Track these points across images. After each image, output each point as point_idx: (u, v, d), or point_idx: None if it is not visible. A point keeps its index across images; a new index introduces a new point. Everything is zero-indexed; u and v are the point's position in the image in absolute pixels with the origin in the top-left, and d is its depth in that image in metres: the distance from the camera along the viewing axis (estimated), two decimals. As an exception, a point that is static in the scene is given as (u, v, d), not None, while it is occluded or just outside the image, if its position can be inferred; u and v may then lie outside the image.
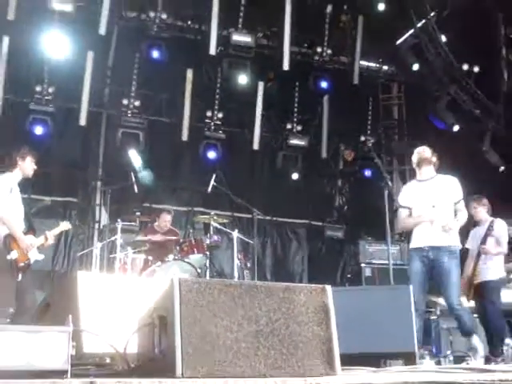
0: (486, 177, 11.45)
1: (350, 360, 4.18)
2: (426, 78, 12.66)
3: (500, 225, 8.28)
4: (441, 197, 6.90)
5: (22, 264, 6.93)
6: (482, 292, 8.21)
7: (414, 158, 7.21)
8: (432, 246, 6.81)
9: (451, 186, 6.99)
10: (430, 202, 6.91)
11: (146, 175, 11.38)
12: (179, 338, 3.02)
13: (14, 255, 6.84)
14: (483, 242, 8.09)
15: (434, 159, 7.17)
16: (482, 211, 8.50)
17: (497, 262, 8.19)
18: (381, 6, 11.94)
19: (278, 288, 3.48)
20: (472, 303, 8.58)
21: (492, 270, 8.14)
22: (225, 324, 3.20)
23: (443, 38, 12.10)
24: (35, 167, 7.37)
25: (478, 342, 6.50)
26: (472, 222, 8.38)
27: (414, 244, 7.06)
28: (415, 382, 3.08)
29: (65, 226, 8.03)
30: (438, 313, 10.73)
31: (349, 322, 5.25)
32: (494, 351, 7.38)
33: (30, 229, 7.29)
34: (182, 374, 2.96)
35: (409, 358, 5.88)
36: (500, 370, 4.01)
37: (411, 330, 6.13)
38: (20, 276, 6.98)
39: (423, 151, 7.19)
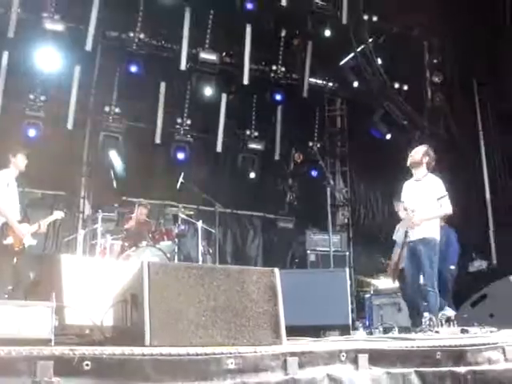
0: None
1: (294, 331, 4.23)
2: (364, 94, 12.81)
3: None
4: (425, 195, 6.90)
5: (16, 248, 6.90)
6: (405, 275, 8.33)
7: (408, 161, 7.16)
8: (413, 240, 6.85)
9: (434, 186, 6.94)
10: (416, 200, 6.94)
11: (123, 172, 11.32)
12: (148, 312, 3.02)
13: (9, 241, 6.83)
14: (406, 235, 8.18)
15: (426, 159, 7.05)
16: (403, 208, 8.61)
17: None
18: (327, 33, 12.04)
19: (234, 270, 3.49)
20: (397, 284, 8.73)
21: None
22: (187, 301, 3.19)
23: (379, 61, 12.24)
24: (26, 161, 7.31)
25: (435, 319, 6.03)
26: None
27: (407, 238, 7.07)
28: (348, 349, 3.13)
29: (58, 214, 7.97)
30: (372, 292, 10.89)
31: (295, 298, 5.31)
32: (415, 323, 7.51)
33: (25, 218, 7.23)
34: (150, 342, 2.96)
35: (344, 330, 5.97)
36: (418, 339, 4.10)
37: (346, 306, 6.24)
38: (15, 259, 6.94)
39: (414, 154, 7.12)
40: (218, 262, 10.19)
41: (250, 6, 11.31)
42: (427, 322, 5.55)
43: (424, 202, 6.90)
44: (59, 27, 10.37)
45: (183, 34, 11.52)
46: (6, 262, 6.87)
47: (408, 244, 6.92)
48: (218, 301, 3.30)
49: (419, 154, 7.10)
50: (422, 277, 6.81)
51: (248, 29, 11.96)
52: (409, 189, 7.20)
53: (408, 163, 7.16)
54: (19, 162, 7.24)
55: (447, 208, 6.94)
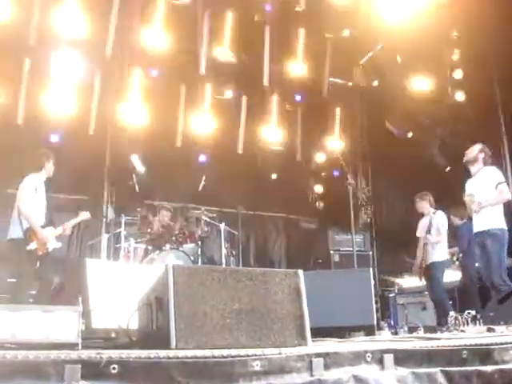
0: (435, 175, 11.61)
1: (319, 332, 4.23)
2: (384, 92, 12.75)
3: (440, 216, 8.38)
4: (483, 186, 7.05)
5: (40, 253, 6.96)
6: (429, 272, 8.31)
7: (464, 159, 7.38)
8: (479, 231, 6.99)
9: (491, 175, 7.08)
10: (475, 193, 7.09)
11: (145, 176, 11.39)
12: (173, 315, 3.04)
13: (33, 246, 6.87)
14: (427, 231, 8.20)
15: (482, 155, 7.23)
16: (425, 205, 8.59)
17: (441, 247, 8.29)
18: (346, 32, 12.02)
19: (257, 272, 3.49)
20: (422, 282, 8.69)
21: (437, 253, 8.24)
22: (212, 303, 3.21)
23: (398, 59, 12.18)
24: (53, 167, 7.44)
25: None
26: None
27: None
28: (374, 349, 3.12)
29: (84, 215, 7.95)
30: (396, 291, 10.83)
31: (319, 299, 5.29)
32: (440, 322, 7.47)
33: (50, 222, 7.31)
34: (176, 345, 2.98)
35: (369, 330, 5.95)
36: (444, 338, 4.07)
37: (371, 306, 6.21)
38: (38, 263, 7.01)
39: (469, 152, 7.34)
40: (242, 264, 10.23)
41: (268, 7, 11.31)
42: (453, 321, 5.51)
43: (482, 193, 7.00)
44: (79, 34, 10.48)
45: (202, 36, 11.57)
46: (29, 266, 6.96)
47: (476, 236, 7.07)
48: (242, 303, 3.31)
49: (475, 151, 7.28)
50: (488, 272, 6.84)
51: (267, 29, 11.97)
52: (468, 186, 7.33)
53: (464, 161, 7.35)
54: (51, 166, 7.38)
55: (506, 194, 6.98)
